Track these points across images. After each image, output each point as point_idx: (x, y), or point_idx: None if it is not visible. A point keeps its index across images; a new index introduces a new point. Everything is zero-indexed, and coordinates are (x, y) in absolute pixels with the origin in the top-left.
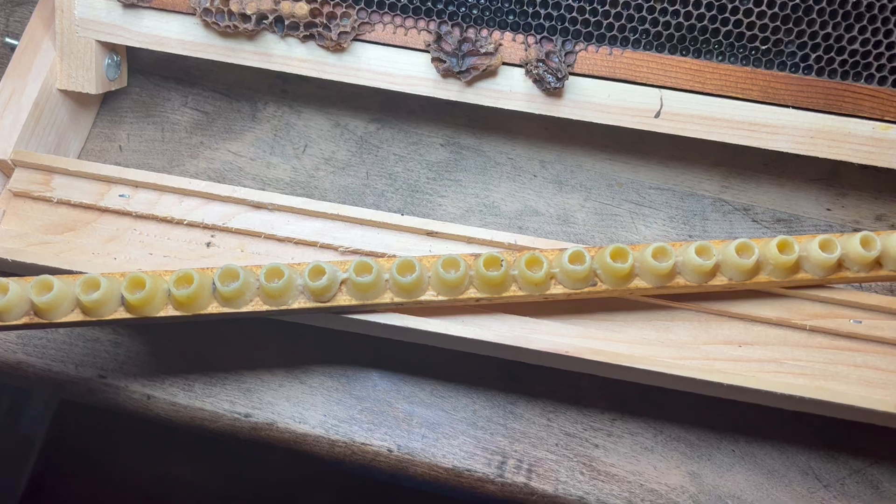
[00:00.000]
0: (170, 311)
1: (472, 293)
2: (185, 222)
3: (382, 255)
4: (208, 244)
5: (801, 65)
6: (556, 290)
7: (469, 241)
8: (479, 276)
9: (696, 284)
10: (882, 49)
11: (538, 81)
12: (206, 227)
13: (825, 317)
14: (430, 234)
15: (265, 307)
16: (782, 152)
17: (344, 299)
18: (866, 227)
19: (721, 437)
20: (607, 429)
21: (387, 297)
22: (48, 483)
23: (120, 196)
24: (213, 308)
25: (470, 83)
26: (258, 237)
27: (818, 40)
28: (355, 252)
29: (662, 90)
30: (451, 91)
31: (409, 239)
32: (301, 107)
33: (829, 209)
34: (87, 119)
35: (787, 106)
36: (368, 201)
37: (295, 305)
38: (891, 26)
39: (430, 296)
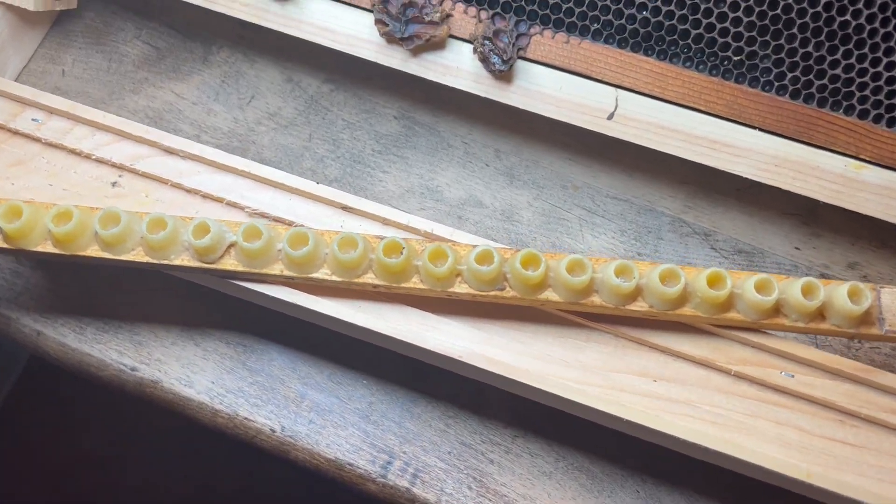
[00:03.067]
0: (48, 247)
1: (370, 278)
2: (93, 157)
3: (290, 224)
4: (114, 184)
5: (775, 83)
6: (461, 288)
7: (385, 222)
8: (378, 261)
9: (613, 307)
10: (866, 78)
11: (484, 61)
12: (114, 165)
13: (754, 364)
14: (345, 208)
15: (146, 259)
16: (756, 181)
17: (231, 263)
18: (835, 274)
19: (628, 475)
20: (507, 445)
21: (276, 269)
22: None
23: (33, 120)
24: (93, 251)
25: (415, 53)
26: (165, 184)
27: (796, 59)
28: (262, 215)
29: (619, 90)
30: (394, 59)
31: (321, 210)
32: (256, 56)
33: (797, 248)
34: (33, 38)
35: (754, 127)
36: (305, 165)
37: (177, 262)
38: (879, 54)
39: (323, 274)
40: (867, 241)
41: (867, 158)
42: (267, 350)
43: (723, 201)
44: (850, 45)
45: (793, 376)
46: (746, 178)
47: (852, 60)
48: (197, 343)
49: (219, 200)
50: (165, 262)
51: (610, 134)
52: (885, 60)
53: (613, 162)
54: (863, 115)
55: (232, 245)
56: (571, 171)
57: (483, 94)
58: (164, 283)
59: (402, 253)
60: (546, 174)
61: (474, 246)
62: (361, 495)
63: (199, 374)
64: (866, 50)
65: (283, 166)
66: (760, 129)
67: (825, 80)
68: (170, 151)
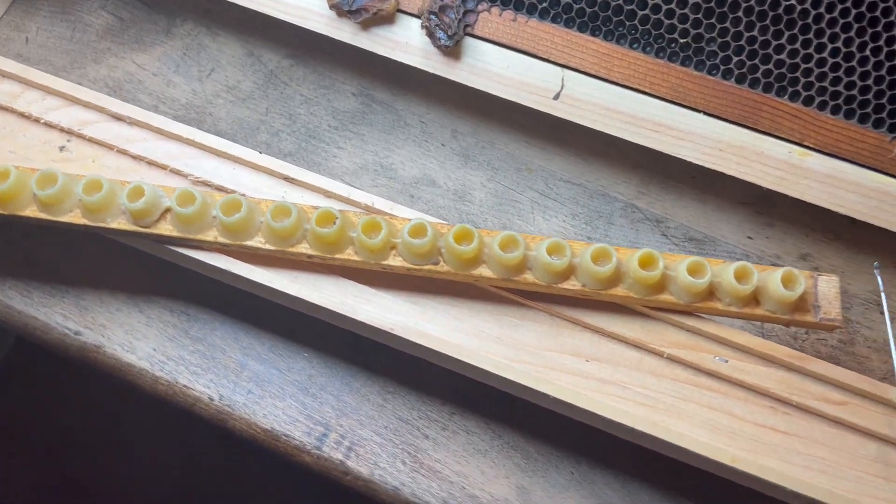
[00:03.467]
0: None
1: (304, 248)
2: (42, 121)
3: (232, 192)
4: (62, 148)
5: (721, 67)
6: (395, 261)
7: (327, 194)
8: (312, 231)
9: (546, 284)
10: (812, 64)
11: (430, 36)
12: (62, 129)
13: (688, 347)
14: (288, 179)
15: (83, 221)
16: (702, 165)
17: (166, 228)
18: (787, 264)
19: (563, 455)
20: (444, 422)
21: (211, 235)
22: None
23: None
24: (31, 212)
25: (364, 26)
26: (112, 150)
27: (742, 43)
28: (205, 183)
29: (565, 70)
30: (344, 32)
31: (263, 180)
32: (219, 29)
33: (750, 237)
34: None
35: (699, 111)
36: (260, 138)
37: (114, 225)
38: (824, 40)
39: (257, 242)
40: (821, 232)
41: (811, 146)
42: (210, 320)
43: (676, 188)
44: (795, 31)
45: (726, 361)
46: (700, 165)
47: (797, 46)
48: (141, 310)
49: (163, 168)
50: (102, 224)
51: (555, 114)
52: (829, 46)
53: (569, 145)
54: (808, 101)
55: (168, 210)
56: (527, 154)
57: (431, 70)
58: (113, 249)
59: (335, 223)
60: (501, 156)
61: (410, 220)
62: (296, 467)
63: (142, 341)
64: (811, 35)
65: (238, 139)
66: (705, 113)
67: (770, 66)
68: (117, 118)
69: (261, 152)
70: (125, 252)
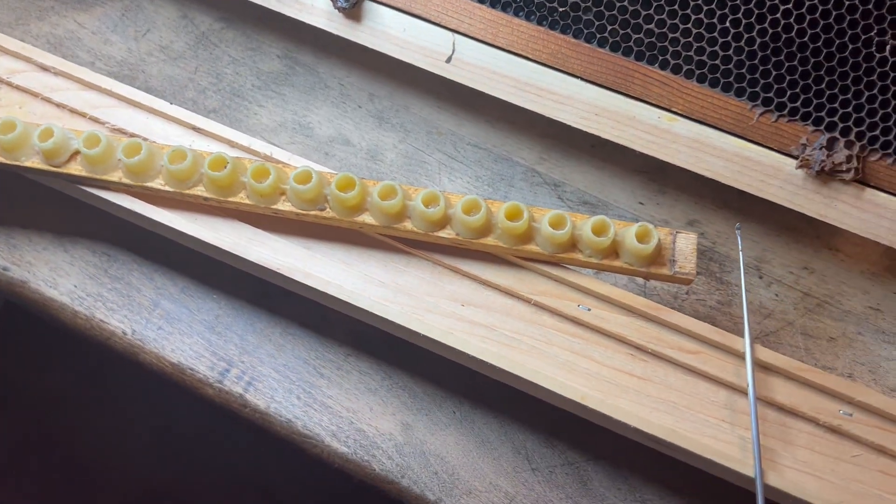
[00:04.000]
0: None
1: (200, 191)
2: None
3: (144, 139)
4: None
5: (597, 35)
6: (284, 206)
7: (231, 144)
8: (206, 174)
9: (423, 233)
10: (677, 34)
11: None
12: None
13: (553, 296)
14: (196, 129)
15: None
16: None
17: (75, 168)
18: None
19: (447, 396)
20: (339, 362)
21: (116, 176)
22: None
23: None
24: None
25: None
26: (37, 98)
27: (614, 12)
28: (120, 131)
29: (456, 35)
30: None
31: (174, 129)
32: None
33: (641, 203)
34: None
35: (577, 76)
36: (188, 95)
37: (27, 164)
38: (688, 11)
39: (157, 183)
40: (710, 200)
41: (679, 111)
42: (129, 261)
43: (576, 155)
44: (662, 1)
45: (589, 310)
46: (587, 132)
47: (664, 16)
48: (66, 249)
49: (83, 115)
50: (16, 163)
51: (447, 76)
52: (693, 17)
53: (478, 112)
54: (676, 69)
55: (77, 152)
56: (438, 118)
57: (333, 31)
58: (43, 192)
59: (226, 167)
60: (414, 119)
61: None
62: (200, 399)
63: (65, 278)
64: (677, 7)
65: (166, 95)
66: (582, 79)
67: (641, 35)
68: (43, 68)
69: (198, 112)
70: (54, 196)
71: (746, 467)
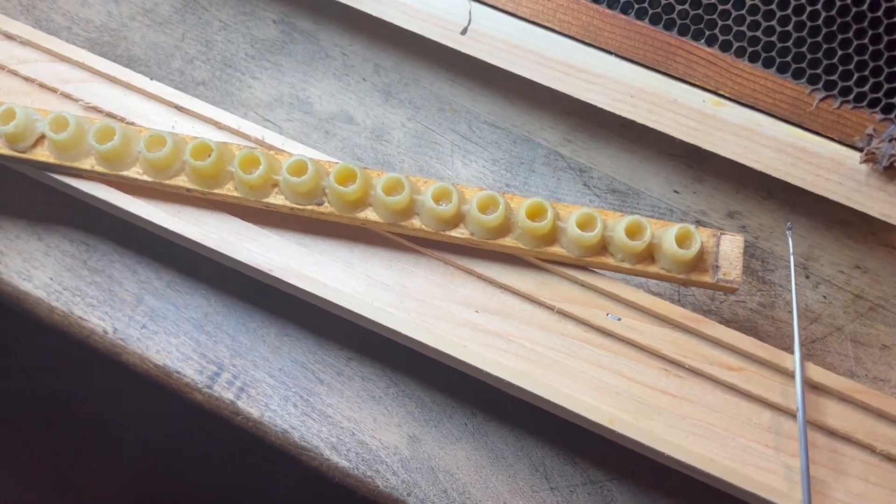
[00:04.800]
0: None
1: (183, 181)
2: None
3: (121, 119)
4: None
5: (635, 6)
6: (277, 200)
7: (218, 126)
8: (189, 163)
9: (434, 231)
10: (729, 6)
11: None
12: None
13: (579, 303)
14: (178, 108)
15: None
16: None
17: (42, 154)
18: (712, 222)
19: (458, 406)
20: (340, 367)
21: (88, 164)
22: None
23: None
24: None
25: None
26: (2, 70)
27: None
28: (95, 109)
29: (472, 3)
30: None
31: (154, 108)
32: None
33: (676, 191)
34: None
35: (610, 52)
36: (174, 65)
37: None
38: None
39: (134, 172)
40: (752, 189)
41: (727, 95)
42: (109, 251)
43: (605, 136)
44: None
45: (619, 319)
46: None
47: None
48: (41, 238)
49: (53, 91)
50: None
51: (462, 50)
52: None
53: (496, 87)
54: (725, 47)
55: (44, 136)
56: (451, 94)
57: None
58: (13, 176)
59: (210, 155)
60: (425, 94)
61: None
62: (189, 405)
63: (40, 270)
64: None
65: (151, 65)
66: (616, 55)
67: (686, 6)
68: (9, 36)
69: (154, 80)
70: (26, 179)
71: (793, 502)
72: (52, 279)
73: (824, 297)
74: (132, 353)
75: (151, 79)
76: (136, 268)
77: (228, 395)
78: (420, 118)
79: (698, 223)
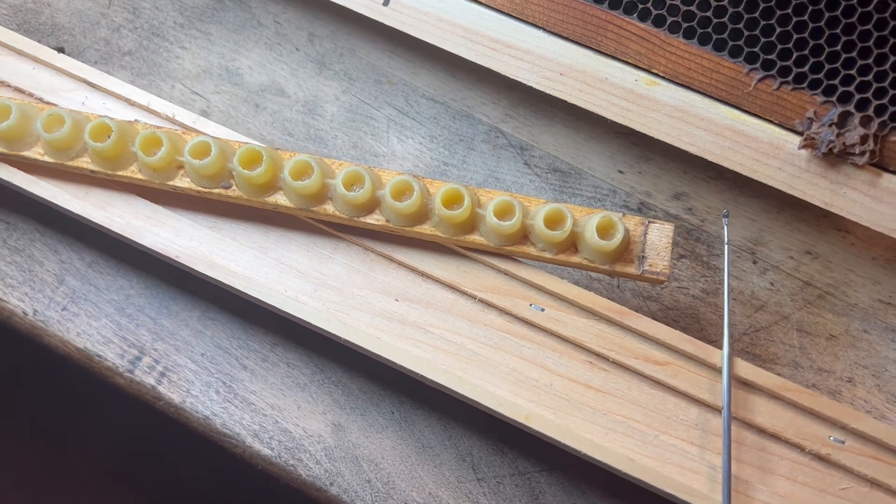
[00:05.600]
0: None
1: (86, 163)
2: None
3: (29, 95)
4: None
5: None
6: (183, 182)
7: (131, 103)
8: (89, 145)
9: (348, 218)
10: None
11: None
12: None
13: (502, 292)
14: (88, 83)
15: None
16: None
17: None
18: (657, 203)
19: (385, 394)
20: (264, 353)
21: None
22: None
23: None
24: None
25: None
26: None
27: None
28: (3, 84)
29: None
30: None
31: (65, 83)
32: None
33: (621, 171)
34: None
35: (538, 27)
36: (99, 34)
37: None
38: None
39: (35, 153)
40: (701, 169)
41: (660, 73)
42: (30, 230)
43: (548, 113)
44: None
45: (543, 310)
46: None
47: None
48: None
49: None
50: None
51: (385, 22)
52: None
53: (436, 59)
54: (658, 22)
55: None
56: (390, 65)
57: None
58: None
59: (110, 136)
60: (361, 65)
61: (199, 138)
62: (109, 388)
63: None
64: None
65: (76, 34)
66: (545, 30)
67: None
68: None
69: (62, 53)
70: None
71: (713, 503)
72: None
73: (772, 283)
74: (53, 335)
75: (68, 54)
76: (58, 247)
77: (150, 380)
78: (355, 91)
79: (642, 205)
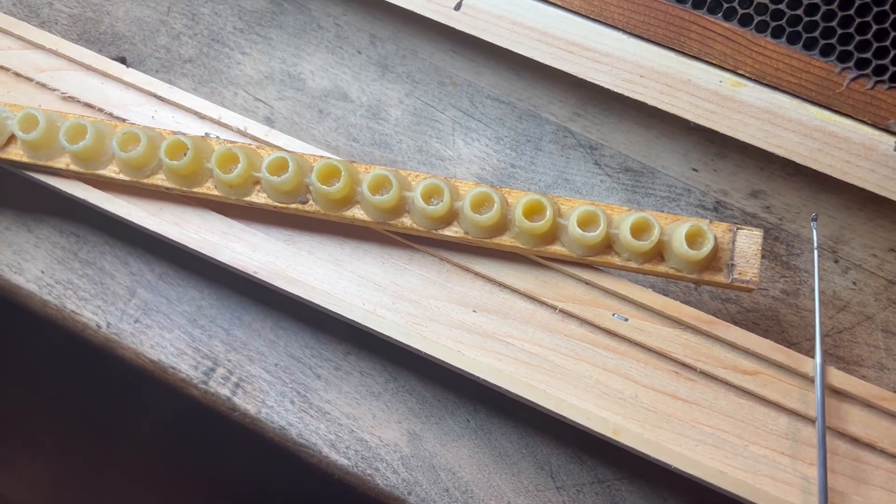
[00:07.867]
0: None
1: (161, 180)
2: None
3: (99, 110)
4: None
5: None
6: (259, 198)
7: (200, 116)
8: (165, 163)
9: (426, 230)
10: None
11: None
12: None
13: (583, 302)
14: (157, 97)
15: None
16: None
17: (16, 154)
18: (734, 202)
19: (460, 402)
20: (337, 361)
21: (62, 162)
22: None
23: None
24: None
25: None
26: None
27: None
28: (72, 99)
29: None
30: None
31: (133, 97)
32: None
33: (695, 169)
34: None
35: (618, 28)
36: (160, 42)
37: None
38: None
39: (111, 171)
40: (779, 166)
41: (746, 74)
42: (100, 243)
43: (617, 110)
44: None
45: (626, 319)
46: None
47: None
48: (30, 230)
49: (29, 80)
50: None
51: (457, 27)
52: None
53: (500, 58)
54: (744, 21)
55: (14, 135)
56: (453, 66)
57: None
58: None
59: (186, 154)
60: (424, 67)
61: (275, 154)
62: (185, 399)
63: (31, 262)
64: None
65: (136, 42)
66: (625, 32)
67: None
68: None
69: (125, 63)
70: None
71: None
72: (43, 272)
73: (854, 283)
74: (126, 347)
75: (129, 63)
76: (128, 259)
77: (224, 391)
78: (419, 93)
79: (718, 203)
